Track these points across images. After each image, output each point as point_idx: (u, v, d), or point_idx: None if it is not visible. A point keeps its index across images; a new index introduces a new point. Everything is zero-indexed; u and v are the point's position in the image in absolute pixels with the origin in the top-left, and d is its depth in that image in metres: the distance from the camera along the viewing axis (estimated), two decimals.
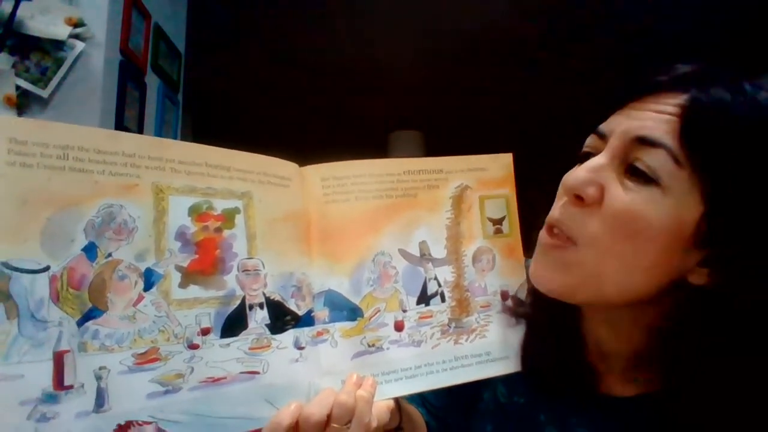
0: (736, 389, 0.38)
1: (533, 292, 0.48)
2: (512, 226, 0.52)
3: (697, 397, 0.40)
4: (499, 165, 0.52)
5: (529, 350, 0.50)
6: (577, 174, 0.42)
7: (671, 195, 0.38)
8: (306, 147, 3.55)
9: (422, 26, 2.29)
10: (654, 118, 0.40)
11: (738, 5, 2.03)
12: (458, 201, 0.50)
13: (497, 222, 0.51)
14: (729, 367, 0.38)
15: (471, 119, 3.25)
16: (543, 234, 0.45)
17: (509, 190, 0.52)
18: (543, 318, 0.48)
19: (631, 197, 0.39)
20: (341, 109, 3.16)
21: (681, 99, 0.39)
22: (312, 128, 3.43)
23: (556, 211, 0.44)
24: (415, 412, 0.57)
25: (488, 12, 2.17)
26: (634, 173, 0.40)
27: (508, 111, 3.11)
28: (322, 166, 0.47)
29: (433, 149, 3.33)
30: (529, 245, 0.50)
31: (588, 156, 0.44)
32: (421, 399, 0.59)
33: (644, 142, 0.39)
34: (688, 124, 0.38)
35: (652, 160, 0.39)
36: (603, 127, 0.44)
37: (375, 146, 3.31)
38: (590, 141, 0.45)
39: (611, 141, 0.42)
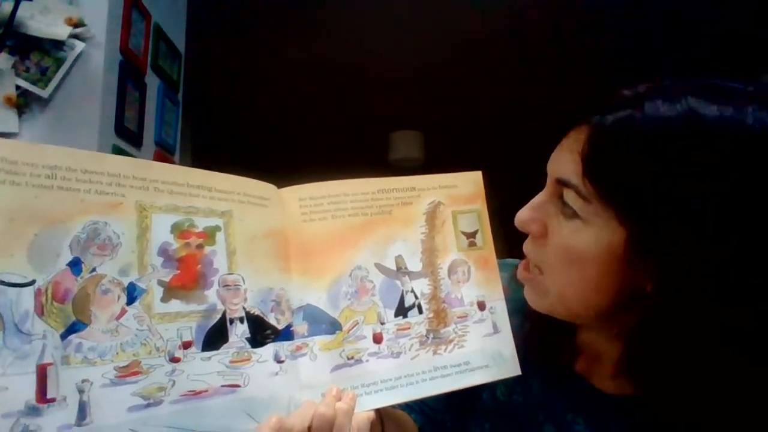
0: (709, 389, 0.40)
1: None
2: (485, 238, 0.54)
3: (670, 398, 0.42)
4: (469, 182, 0.54)
5: (527, 335, 0.53)
6: (521, 213, 0.47)
7: (591, 225, 0.42)
8: (306, 147, 3.55)
9: (422, 26, 2.31)
10: (566, 158, 0.44)
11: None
12: (432, 216, 0.53)
13: (470, 235, 0.54)
14: (698, 368, 0.40)
15: (471, 119, 3.25)
16: (520, 268, 0.50)
17: (480, 206, 0.54)
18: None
19: (562, 231, 0.44)
20: (341, 108, 3.14)
21: (586, 133, 0.42)
22: (312, 128, 3.40)
23: (525, 246, 0.49)
24: (406, 420, 0.57)
25: (489, 11, 2.20)
26: (564, 208, 0.44)
27: (508, 111, 3.10)
28: (299, 187, 0.49)
29: (433, 149, 3.32)
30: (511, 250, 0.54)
31: None
32: (419, 403, 0.60)
33: (561, 183, 0.44)
34: (588, 160, 0.41)
35: (569, 198, 0.44)
36: (548, 163, 0.48)
37: (375, 146, 3.32)
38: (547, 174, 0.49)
39: (548, 179, 0.47)
